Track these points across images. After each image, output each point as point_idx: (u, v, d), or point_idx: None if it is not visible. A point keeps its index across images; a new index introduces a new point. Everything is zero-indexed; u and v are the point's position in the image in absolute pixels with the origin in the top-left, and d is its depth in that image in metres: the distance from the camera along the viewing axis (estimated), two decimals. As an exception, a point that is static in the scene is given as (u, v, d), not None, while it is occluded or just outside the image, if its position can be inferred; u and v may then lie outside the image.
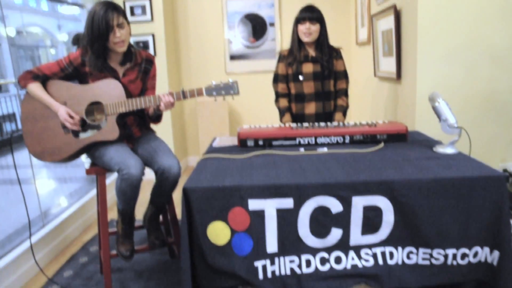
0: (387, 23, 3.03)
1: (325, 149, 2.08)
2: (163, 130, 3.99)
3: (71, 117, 1.97)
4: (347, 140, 2.18)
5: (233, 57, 4.59)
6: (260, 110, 4.61)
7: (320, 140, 2.18)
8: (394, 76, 2.93)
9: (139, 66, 2.14)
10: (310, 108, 2.67)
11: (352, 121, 2.34)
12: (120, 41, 1.98)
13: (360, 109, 4.16)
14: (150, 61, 2.20)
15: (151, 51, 4.14)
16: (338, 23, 4.47)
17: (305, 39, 2.60)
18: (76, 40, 6.40)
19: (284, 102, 2.72)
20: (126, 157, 1.92)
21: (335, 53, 2.68)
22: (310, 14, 2.57)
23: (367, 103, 3.90)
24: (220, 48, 4.58)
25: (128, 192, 1.93)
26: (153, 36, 4.13)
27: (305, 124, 2.30)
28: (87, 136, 2.00)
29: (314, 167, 1.76)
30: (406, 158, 1.85)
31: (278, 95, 2.76)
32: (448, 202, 1.57)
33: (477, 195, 1.57)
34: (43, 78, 2.03)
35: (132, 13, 4.16)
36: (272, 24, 4.53)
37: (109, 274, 2.09)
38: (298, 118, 2.71)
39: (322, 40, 2.63)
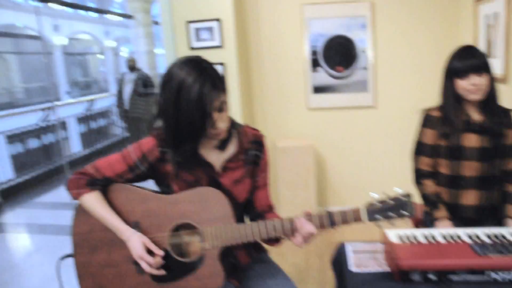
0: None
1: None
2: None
3: (150, 251, 1.26)
4: None
5: (316, 89, 3.80)
6: (350, 153, 3.83)
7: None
8: None
9: (245, 154, 1.41)
10: (469, 197, 1.86)
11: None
12: (222, 131, 1.26)
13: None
14: (259, 144, 1.47)
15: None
16: (444, 44, 3.57)
17: (471, 96, 1.79)
18: (132, 66, 5.87)
19: (431, 187, 1.93)
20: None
21: (506, 119, 1.86)
22: (475, 61, 1.77)
23: None
24: (300, 78, 3.80)
25: None
26: (223, 65, 3.42)
27: (487, 235, 1.51)
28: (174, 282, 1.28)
29: None
30: None
31: (420, 175, 1.96)
32: None
33: None
34: (104, 183, 1.34)
35: (198, 38, 3.46)
36: (363, 49, 3.71)
37: None
38: (449, 209, 1.91)
39: (491, 97, 1.82)
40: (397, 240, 1.54)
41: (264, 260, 1.51)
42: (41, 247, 3.89)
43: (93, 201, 1.32)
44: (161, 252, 1.28)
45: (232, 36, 3.38)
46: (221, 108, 1.24)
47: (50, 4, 15.82)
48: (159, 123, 1.31)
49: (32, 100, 18.50)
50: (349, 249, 1.68)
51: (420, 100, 3.50)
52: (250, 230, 1.27)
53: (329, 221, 1.25)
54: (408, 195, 1.27)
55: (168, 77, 1.22)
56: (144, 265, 1.27)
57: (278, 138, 3.80)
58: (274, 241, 1.41)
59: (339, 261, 1.66)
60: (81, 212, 1.35)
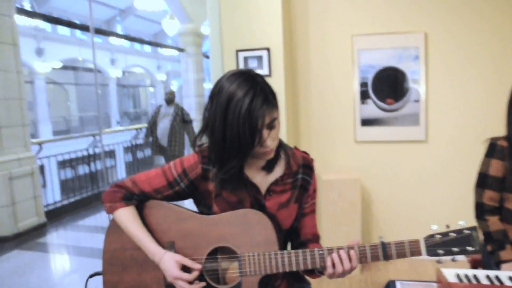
0: None
1: None
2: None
3: (185, 269, 1.17)
4: None
5: (365, 122, 3.67)
6: (399, 188, 3.63)
7: None
8: None
9: (293, 177, 1.31)
10: (542, 238, 1.65)
11: None
12: (270, 149, 1.18)
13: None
14: (309, 168, 1.36)
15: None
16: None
17: None
18: (171, 99, 5.98)
19: (497, 224, 1.74)
20: None
21: None
22: None
23: None
24: (348, 110, 3.69)
25: None
26: (270, 95, 3.37)
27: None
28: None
29: None
30: None
31: (484, 210, 1.78)
32: None
33: None
34: (140, 198, 1.28)
35: (246, 67, 3.47)
36: (415, 81, 3.56)
37: None
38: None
39: None
40: (455, 280, 1.36)
41: (303, 288, 1.38)
42: (77, 268, 3.93)
43: (126, 217, 1.26)
44: (198, 266, 1.19)
45: (280, 65, 3.35)
46: (272, 125, 1.16)
47: (110, 39, 16.89)
48: (203, 139, 1.25)
49: (85, 128, 19.53)
50: (402, 289, 1.52)
51: (474, 135, 3.29)
52: (294, 259, 1.15)
53: (383, 253, 1.11)
54: (474, 228, 1.11)
55: (217, 89, 1.16)
56: (182, 285, 1.17)
57: (323, 170, 3.66)
58: (316, 272, 1.28)
59: (389, 301, 1.50)
60: (114, 228, 1.29)
